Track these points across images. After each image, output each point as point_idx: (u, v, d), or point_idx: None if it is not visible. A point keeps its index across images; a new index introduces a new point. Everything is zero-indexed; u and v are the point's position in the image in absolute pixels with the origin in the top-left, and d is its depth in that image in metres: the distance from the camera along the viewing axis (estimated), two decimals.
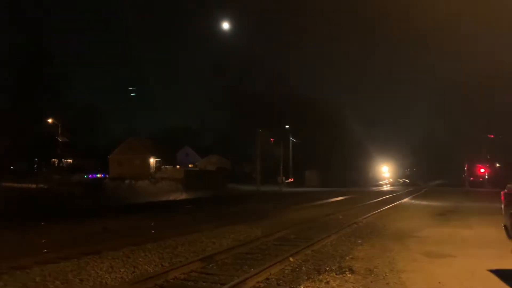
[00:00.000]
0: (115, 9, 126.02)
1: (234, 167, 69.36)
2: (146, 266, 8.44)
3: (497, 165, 64.96)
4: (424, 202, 28.22)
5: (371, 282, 7.07)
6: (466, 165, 67.86)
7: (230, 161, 70.03)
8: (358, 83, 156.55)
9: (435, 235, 12.46)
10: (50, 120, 47.98)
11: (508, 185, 9.63)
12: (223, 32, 54.66)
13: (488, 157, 64.54)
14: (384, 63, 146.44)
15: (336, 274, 7.53)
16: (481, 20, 61.38)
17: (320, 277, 7.36)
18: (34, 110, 50.97)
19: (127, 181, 43.11)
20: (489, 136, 63.76)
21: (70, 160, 63.04)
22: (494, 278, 7.31)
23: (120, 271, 8.03)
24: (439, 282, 6.99)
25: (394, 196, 36.29)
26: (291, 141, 60.00)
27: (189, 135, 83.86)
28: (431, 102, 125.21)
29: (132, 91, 71.09)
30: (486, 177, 64.21)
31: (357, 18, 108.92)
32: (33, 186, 35.37)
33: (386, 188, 66.82)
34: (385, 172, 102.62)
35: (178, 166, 61.35)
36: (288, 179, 59.64)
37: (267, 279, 7.35)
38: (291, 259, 8.70)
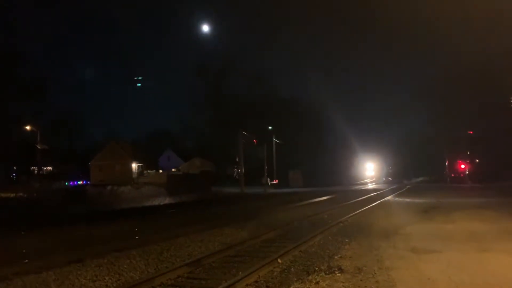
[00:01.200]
0: (96, 10, 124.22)
1: (218, 170, 68.99)
2: (132, 273, 8.25)
3: (477, 161, 66.32)
4: (407, 199, 28.50)
5: (361, 280, 7.04)
6: (447, 162, 69.03)
7: (213, 164, 69.63)
8: (340, 82, 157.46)
9: (420, 232, 12.58)
10: (28, 127, 46.96)
11: None
12: (203, 34, 54.50)
13: (468, 153, 65.83)
14: (366, 62, 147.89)
15: (326, 274, 7.49)
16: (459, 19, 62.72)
17: (310, 277, 7.31)
18: (10, 116, 49.81)
19: (109, 187, 42.41)
20: (468, 132, 65.04)
21: (49, 168, 61.83)
22: (481, 271, 7.38)
23: (105, 279, 7.84)
24: (429, 278, 7.02)
25: (377, 194, 36.58)
26: (274, 142, 59.99)
27: (171, 139, 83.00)
28: (413, 99, 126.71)
29: (138, 82, 65.63)
30: (467, 172, 65.52)
31: (339, 16, 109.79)
32: (12, 195, 34.50)
33: (370, 186, 67.42)
34: (369, 170, 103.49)
35: (160, 171, 60.75)
36: (273, 180, 59.63)
37: (256, 281, 7.26)
38: (279, 260, 8.62)
